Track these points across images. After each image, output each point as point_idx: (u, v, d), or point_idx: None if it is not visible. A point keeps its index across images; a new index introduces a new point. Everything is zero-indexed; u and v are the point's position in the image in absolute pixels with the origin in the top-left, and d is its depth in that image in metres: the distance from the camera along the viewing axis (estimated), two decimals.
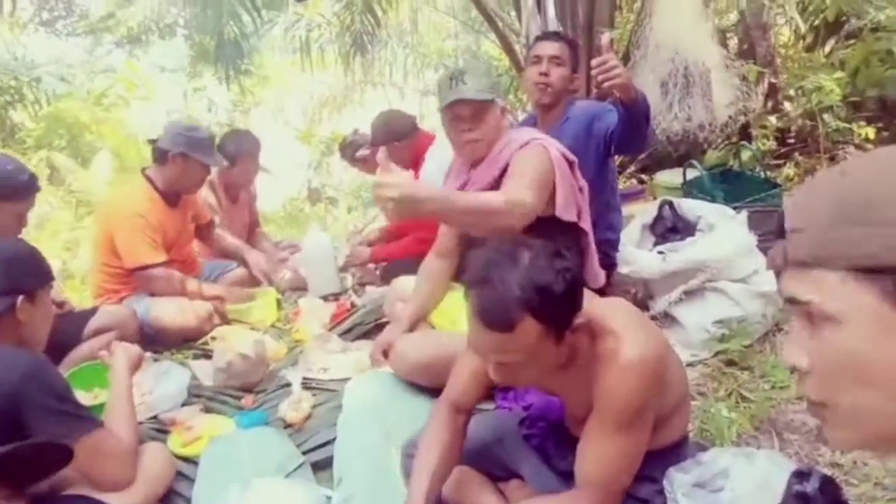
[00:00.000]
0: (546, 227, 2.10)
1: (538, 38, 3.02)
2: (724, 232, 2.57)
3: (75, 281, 4.71)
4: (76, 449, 1.43)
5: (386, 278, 3.52)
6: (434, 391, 2.26)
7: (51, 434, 1.50)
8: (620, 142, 2.58)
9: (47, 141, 7.16)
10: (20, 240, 2.27)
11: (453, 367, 1.78)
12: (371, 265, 3.81)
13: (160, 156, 3.18)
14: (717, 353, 2.47)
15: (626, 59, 4.38)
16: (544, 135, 2.39)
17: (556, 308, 1.33)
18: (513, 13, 6.30)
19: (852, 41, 4.92)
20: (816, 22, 5.12)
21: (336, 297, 3.45)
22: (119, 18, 9.95)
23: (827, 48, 5.15)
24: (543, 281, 1.31)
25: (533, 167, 2.16)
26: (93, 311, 2.82)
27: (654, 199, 3.94)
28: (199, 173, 3.23)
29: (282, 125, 11.70)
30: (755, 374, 2.40)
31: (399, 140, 3.47)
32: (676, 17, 3.26)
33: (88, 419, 1.65)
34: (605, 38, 2.39)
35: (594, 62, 2.31)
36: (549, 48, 2.84)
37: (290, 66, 10.24)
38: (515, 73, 5.40)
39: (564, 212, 2.19)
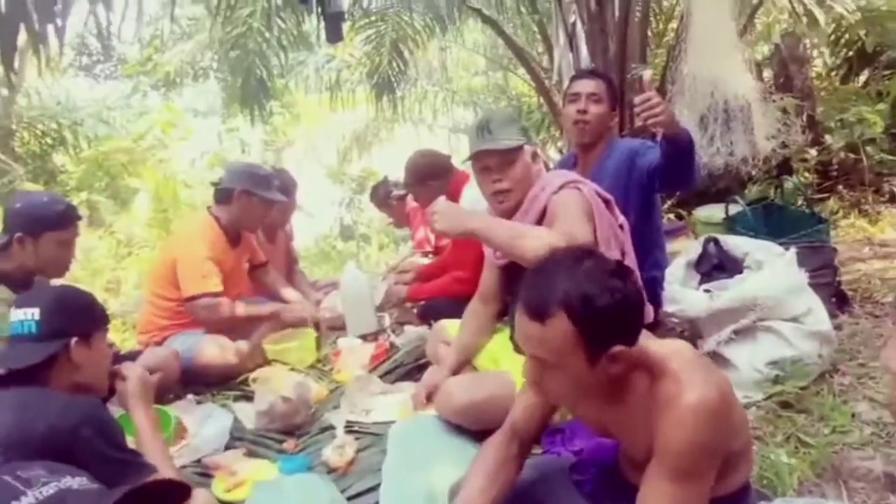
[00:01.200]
0: None
1: (575, 77, 3.02)
2: (773, 269, 2.50)
3: (116, 322, 4.75)
4: None
5: (424, 318, 3.49)
6: (480, 434, 2.23)
7: (107, 482, 1.49)
8: (665, 178, 2.54)
9: (88, 183, 7.33)
10: (74, 286, 2.30)
11: (516, 397, 1.74)
12: (408, 304, 3.79)
13: (224, 195, 3.27)
14: (771, 396, 2.38)
15: (661, 94, 4.37)
16: (577, 175, 2.38)
17: (594, 321, 1.29)
18: (540, 48, 6.37)
19: (888, 72, 4.86)
20: (850, 53, 5.08)
21: (374, 336, 3.43)
22: (156, 62, 10.25)
23: (861, 79, 5.10)
24: (589, 290, 1.29)
25: (574, 205, 2.14)
26: (137, 353, 2.83)
27: (695, 234, 3.89)
28: (262, 210, 3.32)
29: (313, 163, 11.86)
30: (813, 418, 2.31)
31: (434, 179, 3.47)
32: (712, 50, 3.24)
33: (143, 465, 1.63)
34: (646, 75, 2.38)
35: (637, 100, 2.30)
36: (587, 86, 2.83)
37: (320, 105, 10.41)
38: (547, 109, 5.41)
39: (606, 249, 2.15)
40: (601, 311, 1.29)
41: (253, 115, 6.85)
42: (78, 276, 5.22)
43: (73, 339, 1.71)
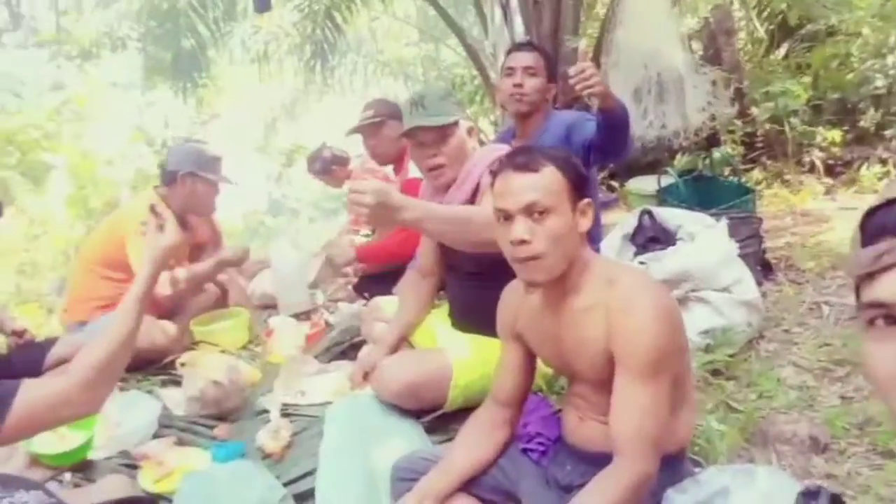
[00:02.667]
0: None
1: (511, 50, 2.97)
2: (705, 241, 2.55)
3: (32, 305, 4.51)
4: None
5: (359, 292, 3.44)
6: (419, 413, 2.21)
7: None
8: (599, 151, 2.54)
9: None
10: None
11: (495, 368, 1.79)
12: (343, 279, 3.72)
13: (168, 177, 3.10)
14: (703, 365, 2.44)
15: (595, 66, 4.38)
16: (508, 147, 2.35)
17: (573, 173, 1.51)
18: (471, 19, 6.30)
19: (808, 44, 5.00)
20: (772, 26, 5.20)
21: (307, 314, 3.35)
22: (70, 32, 9.68)
23: (782, 51, 5.23)
24: (564, 154, 1.57)
25: None
26: (53, 340, 2.68)
27: (627, 206, 3.93)
28: (210, 193, 3.17)
29: (240, 137, 11.51)
30: (741, 384, 2.38)
31: (396, 119, 3.40)
32: (645, 22, 3.25)
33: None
34: (581, 45, 2.36)
35: (571, 70, 2.27)
36: (523, 59, 2.80)
37: (247, 77, 10.07)
38: (481, 81, 5.36)
39: None
40: (576, 167, 1.54)
41: (185, 89, 6.57)
42: None
43: None
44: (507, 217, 1.49)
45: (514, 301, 1.71)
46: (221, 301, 3.45)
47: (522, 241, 1.45)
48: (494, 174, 1.56)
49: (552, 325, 1.60)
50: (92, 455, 2.18)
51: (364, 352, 2.54)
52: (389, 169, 3.74)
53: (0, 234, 5.70)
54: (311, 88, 9.51)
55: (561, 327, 1.57)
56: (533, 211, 1.46)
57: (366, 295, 3.34)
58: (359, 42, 9.36)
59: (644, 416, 1.41)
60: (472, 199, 2.17)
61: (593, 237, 2.78)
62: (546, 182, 1.47)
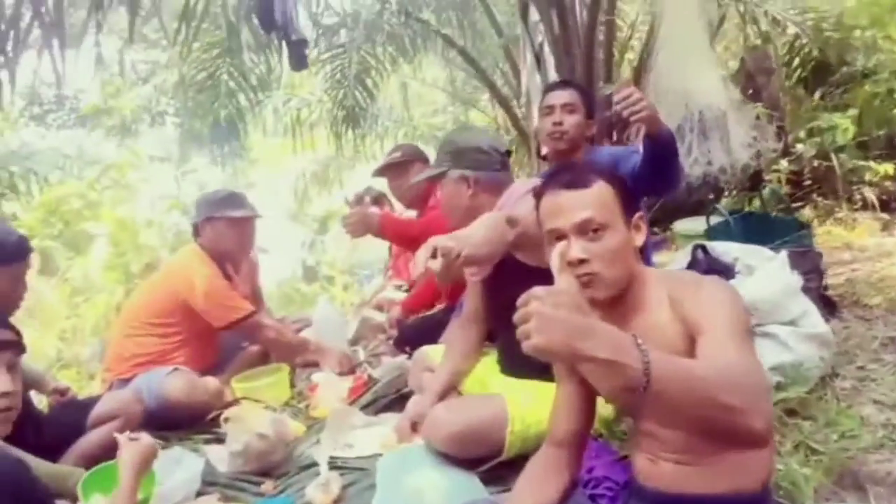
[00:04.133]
0: None
1: (548, 88, 2.95)
2: (766, 273, 2.42)
3: (71, 371, 4.48)
4: None
5: (400, 346, 3.35)
6: (473, 463, 2.08)
7: None
8: (649, 181, 2.44)
9: (40, 230, 7.05)
10: None
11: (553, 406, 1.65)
12: (385, 335, 3.64)
13: (194, 230, 3.18)
14: (776, 403, 2.28)
15: None
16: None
17: (623, 187, 1.45)
18: (500, 76, 6.35)
19: (844, 86, 4.94)
20: (804, 73, 5.18)
21: (350, 370, 3.26)
22: (110, 108, 10.04)
23: (817, 95, 5.18)
24: (610, 170, 1.53)
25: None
26: (96, 398, 2.61)
27: (676, 248, 3.81)
28: (232, 231, 3.16)
29: (273, 206, 11.66)
30: (819, 424, 2.20)
31: (422, 162, 3.40)
32: (684, 60, 3.21)
33: None
34: (623, 78, 2.32)
35: (617, 96, 2.22)
36: (561, 96, 2.77)
37: (279, 147, 10.28)
38: (515, 133, 5.35)
39: None
40: (623, 181, 1.49)
41: (223, 157, 6.68)
42: (30, 324, 4.93)
43: None
44: (559, 237, 1.41)
45: None
46: (262, 356, 3.38)
47: (581, 262, 1.38)
48: (539, 195, 1.49)
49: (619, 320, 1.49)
50: None
51: (412, 402, 2.42)
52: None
53: (42, 302, 5.75)
54: (342, 155, 9.64)
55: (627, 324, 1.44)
56: (588, 229, 1.39)
57: (407, 349, 3.26)
58: (389, 108, 9.52)
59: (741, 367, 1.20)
60: None
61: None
62: (598, 197, 1.41)
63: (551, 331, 1.04)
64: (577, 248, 1.37)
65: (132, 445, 1.84)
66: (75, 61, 3.68)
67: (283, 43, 4.22)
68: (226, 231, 3.14)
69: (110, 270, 6.26)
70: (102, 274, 6.24)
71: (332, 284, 10.79)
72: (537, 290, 1.09)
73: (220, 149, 6.80)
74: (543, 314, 1.05)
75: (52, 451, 2.32)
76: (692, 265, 2.58)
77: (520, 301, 1.09)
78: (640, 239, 1.46)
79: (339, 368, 3.19)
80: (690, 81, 3.29)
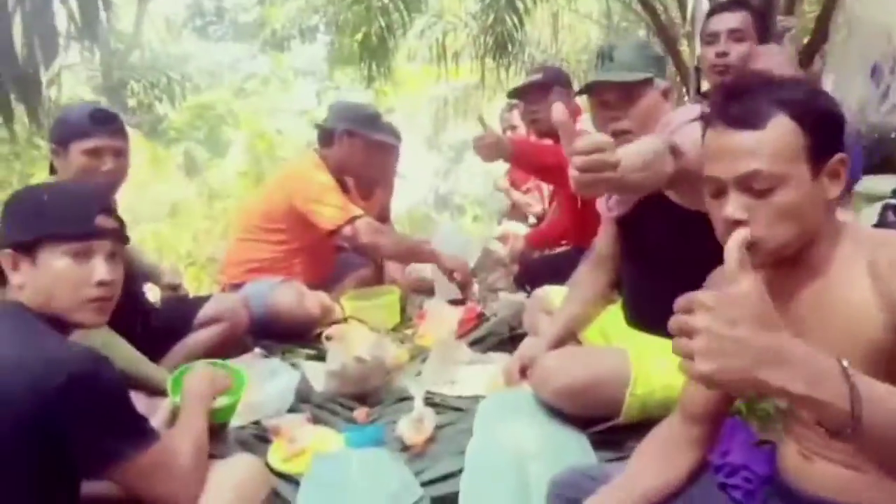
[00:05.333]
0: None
1: (711, 12, 2.53)
2: None
3: (196, 268, 4.63)
4: (127, 468, 1.20)
5: (521, 284, 3.14)
6: (585, 422, 1.84)
7: (97, 452, 1.20)
8: None
9: (186, 133, 7.35)
10: (44, 184, 1.83)
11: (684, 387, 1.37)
12: (505, 269, 3.43)
13: (326, 136, 2.97)
14: None
15: (816, 46, 3.78)
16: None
17: (818, 119, 1.07)
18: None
19: None
20: None
21: (463, 302, 3.09)
22: (265, 20, 10.23)
23: None
24: (805, 90, 1.09)
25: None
26: (206, 298, 2.59)
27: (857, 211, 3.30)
28: (368, 153, 2.96)
29: (412, 132, 11.65)
30: None
31: (564, 86, 3.10)
32: None
33: (143, 434, 1.30)
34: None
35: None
36: (727, 20, 2.38)
37: (422, 72, 10.16)
38: (675, 70, 4.85)
39: None
40: (823, 109, 1.09)
41: (370, 73, 6.60)
42: (170, 223, 5.14)
43: (8, 252, 1.32)
44: (718, 189, 1.10)
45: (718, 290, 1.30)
46: (376, 278, 3.28)
47: (737, 223, 1.06)
48: (705, 123, 1.16)
49: (784, 320, 1.17)
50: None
51: (525, 344, 2.20)
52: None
53: (183, 201, 6.01)
54: (483, 84, 9.37)
55: (799, 320, 1.13)
56: (752, 183, 1.06)
57: (527, 287, 3.05)
58: (537, 39, 9.10)
59: None
60: None
61: None
62: (773, 141, 1.06)
63: (727, 356, 0.79)
64: (735, 204, 1.07)
65: (204, 378, 1.72)
66: None
67: None
68: (363, 152, 2.95)
69: (244, 177, 6.43)
70: (237, 179, 6.42)
71: (462, 214, 10.74)
72: (706, 296, 0.82)
73: (367, 67, 6.69)
74: (716, 334, 0.79)
75: (159, 344, 2.31)
76: (881, 226, 2.16)
77: (680, 304, 0.83)
78: (835, 189, 1.09)
79: (453, 273, 3.01)
80: (892, 13, 2.75)
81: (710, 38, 2.41)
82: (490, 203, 11.84)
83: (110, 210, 1.45)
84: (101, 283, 1.36)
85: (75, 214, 1.36)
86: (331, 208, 2.81)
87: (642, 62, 1.86)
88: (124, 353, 1.97)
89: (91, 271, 1.35)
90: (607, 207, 2.01)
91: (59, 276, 1.33)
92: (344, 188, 3.00)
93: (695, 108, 1.87)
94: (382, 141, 3.01)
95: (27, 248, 1.32)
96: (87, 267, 1.35)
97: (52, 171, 2.22)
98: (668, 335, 1.76)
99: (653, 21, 4.83)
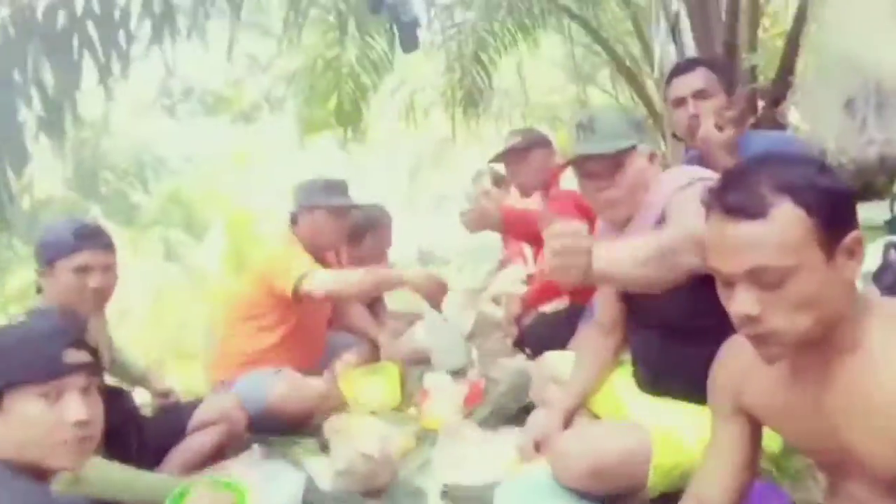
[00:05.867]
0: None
1: (672, 75, 2.49)
2: None
3: (187, 361, 4.52)
4: None
5: (520, 347, 3.07)
6: (607, 499, 1.76)
7: None
8: None
9: (162, 218, 7.30)
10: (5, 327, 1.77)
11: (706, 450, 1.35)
12: (502, 333, 3.36)
13: (294, 219, 2.95)
14: None
15: (782, 81, 3.83)
16: (699, 169, 1.89)
17: (825, 200, 1.00)
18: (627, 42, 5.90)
19: None
20: None
21: (465, 371, 3.02)
22: (232, 97, 10.32)
23: None
24: (807, 171, 1.03)
25: (693, 213, 1.65)
26: (198, 402, 2.49)
27: None
28: (330, 220, 2.91)
29: (387, 189, 11.67)
30: None
31: (544, 147, 3.13)
32: (861, 22, 2.70)
33: None
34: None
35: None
36: (690, 83, 2.33)
37: (394, 130, 10.24)
38: (645, 110, 4.89)
39: None
40: (829, 189, 1.02)
41: (346, 136, 6.66)
42: (153, 310, 5.03)
43: None
44: (726, 280, 1.06)
45: (738, 364, 1.25)
46: (371, 355, 3.20)
47: (750, 318, 1.02)
48: (707, 208, 1.10)
49: (813, 398, 1.11)
50: None
51: (535, 418, 2.12)
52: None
53: (163, 289, 5.90)
54: (457, 137, 9.45)
55: (829, 398, 1.08)
56: (762, 278, 1.01)
57: (527, 351, 2.98)
58: (504, 89, 9.22)
59: None
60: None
61: None
62: (779, 233, 1.00)
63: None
64: (746, 300, 1.02)
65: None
66: (203, 54, 3.63)
67: (394, 24, 4.06)
68: (327, 221, 2.91)
69: (226, 259, 6.36)
70: (219, 263, 6.35)
71: (446, 265, 10.69)
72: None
73: (343, 131, 6.71)
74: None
75: (157, 454, 2.23)
76: (884, 268, 2.12)
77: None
78: (853, 269, 1.03)
79: (430, 294, 2.89)
80: (865, 45, 2.77)
81: (677, 102, 2.37)
82: (476, 252, 11.86)
83: (81, 342, 1.36)
84: (78, 423, 1.26)
85: (42, 355, 1.27)
86: (289, 271, 2.74)
87: (623, 130, 1.85)
88: (119, 478, 1.86)
89: (64, 411, 1.26)
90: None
91: (30, 422, 1.23)
92: (322, 262, 2.95)
93: (682, 173, 1.85)
94: (341, 205, 2.95)
95: None
96: (59, 407, 1.25)
97: (39, 290, 2.16)
98: (685, 399, 1.70)
99: (617, 67, 4.89)
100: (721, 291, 1.09)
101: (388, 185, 11.56)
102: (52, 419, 1.25)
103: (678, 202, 1.71)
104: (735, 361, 1.26)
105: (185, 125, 12.90)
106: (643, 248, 1.56)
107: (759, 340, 1.05)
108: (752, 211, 1.01)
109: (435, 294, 2.86)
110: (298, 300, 2.74)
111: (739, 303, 1.03)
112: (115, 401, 1.84)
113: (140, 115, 11.30)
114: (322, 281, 2.72)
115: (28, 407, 1.24)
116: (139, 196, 7.73)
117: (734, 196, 1.03)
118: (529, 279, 4.01)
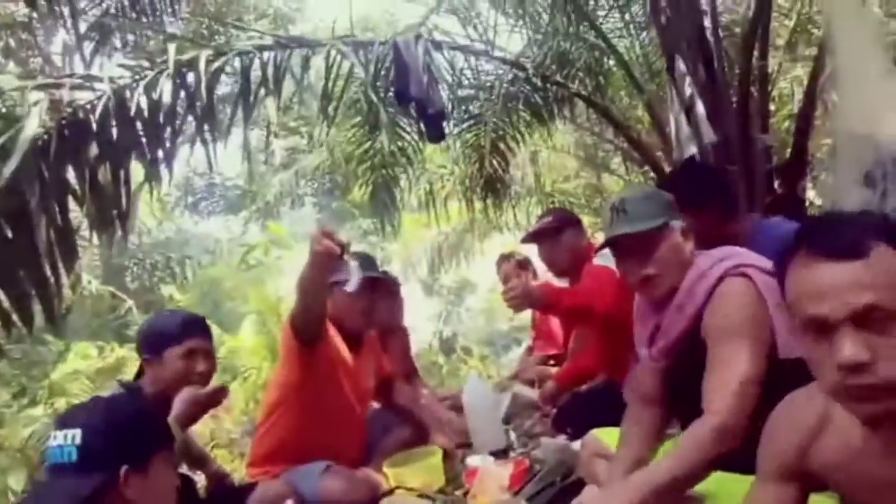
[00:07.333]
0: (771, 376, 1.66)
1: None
2: None
3: (223, 451, 4.53)
4: None
5: (560, 427, 3.10)
6: None
7: None
8: None
9: (197, 311, 7.39)
10: (133, 394, 2.10)
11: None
12: (539, 413, 3.40)
13: None
14: None
15: (797, 160, 3.98)
16: (741, 252, 1.92)
17: None
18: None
19: None
20: None
21: (504, 452, 3.04)
22: (254, 193, 10.63)
23: None
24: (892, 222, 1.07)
25: (738, 316, 1.73)
26: (251, 486, 2.51)
27: None
28: (346, 297, 2.67)
29: (410, 279, 11.76)
30: None
31: (575, 227, 3.25)
32: (865, 100, 2.84)
33: None
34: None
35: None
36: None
37: (413, 220, 10.44)
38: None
39: (793, 345, 1.68)
40: None
41: (383, 224, 6.78)
42: None
43: (124, 468, 1.34)
44: (822, 327, 1.02)
45: (806, 423, 1.21)
46: (415, 437, 3.20)
47: (861, 365, 0.97)
48: (785, 263, 1.11)
49: None
50: None
51: (587, 495, 2.14)
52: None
53: None
54: (475, 226, 9.61)
55: None
56: (869, 318, 0.98)
57: (568, 430, 3.00)
58: (520, 177, 9.43)
59: None
60: (689, 330, 1.83)
61: None
62: (884, 272, 0.99)
63: None
64: (853, 344, 0.97)
65: None
66: (224, 152, 3.74)
67: (420, 116, 4.21)
68: (338, 299, 2.73)
69: (258, 347, 6.41)
70: (250, 352, 6.40)
71: (469, 355, 10.66)
72: None
73: (381, 217, 6.81)
74: None
75: None
76: None
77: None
78: None
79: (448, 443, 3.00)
80: (876, 122, 2.90)
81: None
82: (496, 340, 11.84)
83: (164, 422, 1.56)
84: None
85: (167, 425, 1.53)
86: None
87: (654, 209, 1.92)
88: None
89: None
90: (650, 356, 2.01)
91: (167, 486, 1.44)
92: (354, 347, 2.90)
93: (723, 256, 1.89)
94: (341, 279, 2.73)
95: (141, 464, 1.38)
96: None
97: (138, 376, 2.33)
98: (737, 471, 1.73)
99: (637, 151, 5.06)
100: (812, 348, 1.05)
101: (409, 273, 11.71)
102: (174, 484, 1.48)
103: (715, 315, 1.78)
104: (802, 419, 1.22)
105: (208, 221, 13.28)
106: (677, 469, 1.68)
107: (864, 394, 0.99)
108: (855, 251, 1.00)
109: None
110: (303, 341, 2.65)
111: (847, 348, 0.97)
112: (184, 486, 1.91)
113: (165, 212, 11.65)
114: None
115: (168, 473, 1.46)
116: (169, 291, 7.88)
117: (833, 238, 1.03)
118: (559, 360, 4.07)
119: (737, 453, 1.70)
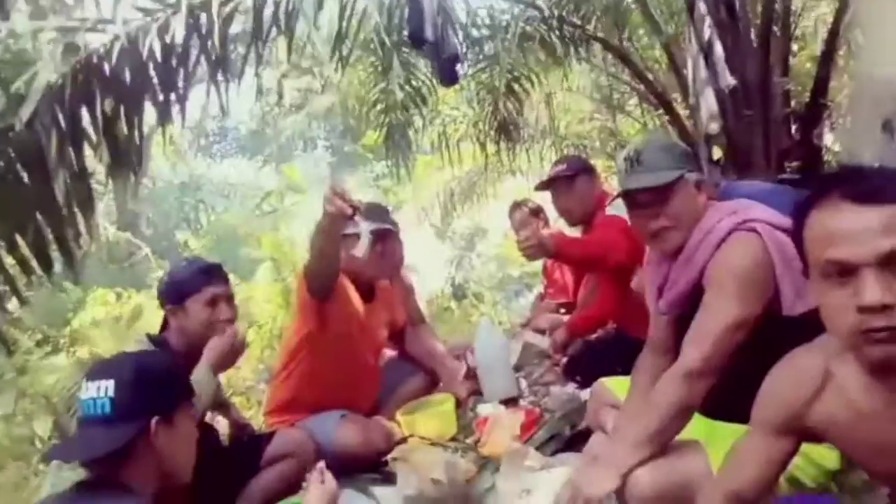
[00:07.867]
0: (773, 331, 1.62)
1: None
2: None
3: (240, 398, 4.62)
4: None
5: (570, 374, 3.12)
6: None
7: None
8: None
9: (212, 256, 7.42)
10: (157, 351, 2.13)
11: (732, 457, 1.41)
12: (550, 361, 3.41)
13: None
14: None
15: (815, 104, 3.88)
16: (753, 205, 1.86)
17: None
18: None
19: None
20: None
21: (515, 401, 3.04)
22: (268, 136, 10.56)
23: None
24: None
25: (739, 271, 1.71)
26: (269, 435, 2.57)
27: None
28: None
29: (423, 224, 11.72)
30: None
31: (588, 174, 3.23)
32: (890, 42, 2.73)
33: None
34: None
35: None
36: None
37: (425, 163, 10.35)
38: (678, 135, 4.95)
39: (797, 303, 1.69)
40: None
41: (398, 167, 6.71)
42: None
43: (154, 419, 1.40)
44: (844, 271, 1.04)
45: (804, 382, 1.24)
46: (428, 386, 3.24)
47: (884, 307, 1.00)
48: (805, 209, 1.12)
49: None
50: None
51: (595, 443, 2.16)
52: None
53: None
54: (489, 169, 9.51)
55: None
56: (893, 262, 1.00)
57: (578, 379, 3.02)
58: (534, 119, 9.28)
59: None
60: (701, 278, 1.80)
61: None
62: None
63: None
64: (876, 286, 1.00)
65: (320, 487, 1.79)
66: (236, 93, 3.68)
67: (434, 59, 4.12)
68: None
69: (272, 295, 6.46)
70: (265, 298, 6.45)
71: (480, 301, 10.70)
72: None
73: (396, 157, 6.72)
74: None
75: (229, 484, 2.32)
76: None
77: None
78: None
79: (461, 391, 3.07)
80: None
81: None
82: (508, 285, 11.84)
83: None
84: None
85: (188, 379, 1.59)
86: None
87: (670, 161, 1.88)
88: None
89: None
90: (658, 308, 2.01)
91: (190, 436, 1.52)
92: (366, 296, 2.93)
93: (730, 209, 1.86)
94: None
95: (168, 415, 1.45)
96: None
97: (163, 328, 2.35)
98: (741, 422, 1.74)
99: (653, 94, 4.95)
100: (829, 293, 1.07)
101: (421, 217, 11.67)
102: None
103: (716, 268, 1.76)
104: (804, 375, 1.25)
105: (221, 165, 13.24)
106: (655, 422, 1.75)
107: (883, 337, 1.01)
108: (884, 197, 1.02)
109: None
110: (316, 296, 2.64)
111: (872, 290, 0.99)
112: (206, 434, 1.98)
113: (178, 156, 11.62)
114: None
115: (189, 424, 1.51)
116: (185, 236, 7.90)
117: (864, 185, 1.05)
118: (570, 308, 4.08)
119: (729, 403, 1.73)
